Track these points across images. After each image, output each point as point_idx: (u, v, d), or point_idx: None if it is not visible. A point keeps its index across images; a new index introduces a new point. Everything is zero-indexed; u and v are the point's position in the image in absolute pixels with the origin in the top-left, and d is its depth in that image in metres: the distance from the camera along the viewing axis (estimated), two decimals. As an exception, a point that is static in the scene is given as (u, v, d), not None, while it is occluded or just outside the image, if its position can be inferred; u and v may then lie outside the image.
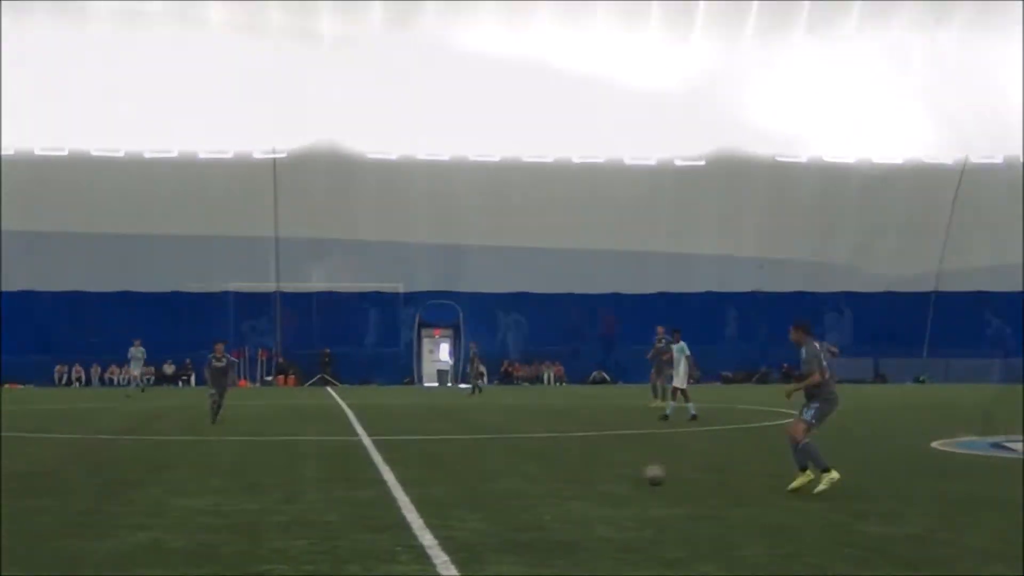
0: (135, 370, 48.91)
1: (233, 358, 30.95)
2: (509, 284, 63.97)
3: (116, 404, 38.99)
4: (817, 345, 14.04)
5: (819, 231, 66.57)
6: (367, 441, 22.11)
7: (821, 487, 13.48)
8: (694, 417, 28.01)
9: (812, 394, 13.95)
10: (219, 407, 26.64)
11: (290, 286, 62.46)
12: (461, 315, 63.21)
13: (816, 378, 13.89)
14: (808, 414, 13.87)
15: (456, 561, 9.52)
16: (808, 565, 9.53)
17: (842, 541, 10.62)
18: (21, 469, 16.47)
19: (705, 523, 11.71)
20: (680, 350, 29.42)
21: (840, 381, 15.21)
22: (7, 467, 16.62)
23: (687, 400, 28.80)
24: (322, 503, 13.17)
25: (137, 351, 48.22)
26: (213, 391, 26.89)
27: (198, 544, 10.43)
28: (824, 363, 13.93)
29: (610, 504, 13.05)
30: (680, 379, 29.13)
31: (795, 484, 13.75)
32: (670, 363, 30.63)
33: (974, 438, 22.07)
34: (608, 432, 25.45)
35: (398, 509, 12.66)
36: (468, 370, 52.52)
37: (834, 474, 13.51)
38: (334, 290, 63.27)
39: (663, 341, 33.19)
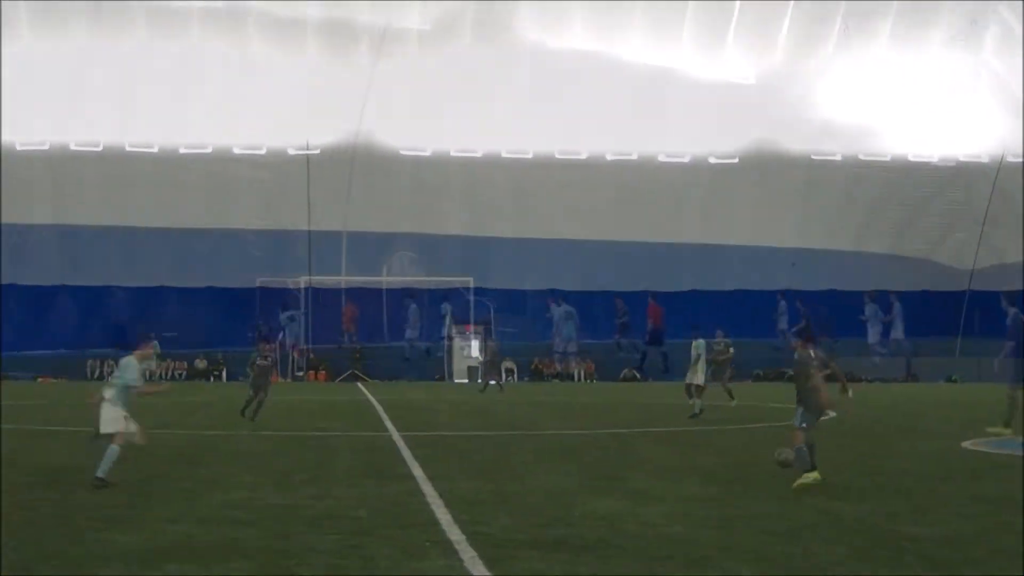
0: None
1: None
2: (540, 281, 63.88)
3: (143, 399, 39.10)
4: (812, 354, 14.83)
5: (853, 229, 66.13)
6: (397, 437, 22.14)
7: (800, 482, 14.04)
8: (694, 416, 27.78)
9: (799, 399, 14.73)
10: (260, 405, 26.45)
11: (321, 281, 62.49)
12: (492, 312, 63.12)
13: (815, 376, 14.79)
14: (797, 421, 14.67)
15: (484, 557, 9.53)
16: (839, 565, 9.49)
17: (874, 541, 10.57)
18: (54, 463, 16.56)
19: (736, 522, 11.68)
20: (697, 347, 29.16)
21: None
22: (40, 461, 16.72)
23: (698, 396, 28.58)
24: (352, 498, 13.21)
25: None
26: (252, 390, 26.68)
27: (228, 539, 10.48)
28: (812, 369, 14.69)
29: (640, 502, 13.04)
30: (699, 376, 28.85)
31: (800, 482, 14.09)
32: (728, 364, 30.66)
33: (1006, 437, 21.92)
34: (638, 429, 25.41)
35: (427, 505, 12.69)
36: (484, 364, 52.27)
37: (816, 475, 14.21)
38: (365, 285, 63.26)
39: (722, 343, 33.13)
